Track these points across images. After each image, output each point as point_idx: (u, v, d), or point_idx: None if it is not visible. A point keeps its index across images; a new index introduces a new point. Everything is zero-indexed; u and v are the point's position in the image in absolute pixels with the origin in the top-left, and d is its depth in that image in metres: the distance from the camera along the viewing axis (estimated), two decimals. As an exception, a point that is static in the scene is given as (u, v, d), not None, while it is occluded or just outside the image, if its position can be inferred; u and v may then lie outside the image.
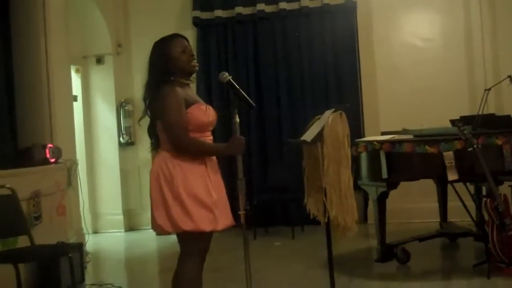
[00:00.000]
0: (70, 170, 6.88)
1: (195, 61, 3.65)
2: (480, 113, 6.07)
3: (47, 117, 6.73)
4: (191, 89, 3.71)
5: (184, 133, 3.45)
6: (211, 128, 3.67)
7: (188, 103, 3.51)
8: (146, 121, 3.68)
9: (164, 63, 3.56)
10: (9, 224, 5.07)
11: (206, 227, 3.42)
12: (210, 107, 3.68)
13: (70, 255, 5.23)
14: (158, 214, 3.46)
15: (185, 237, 3.50)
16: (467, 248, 6.40)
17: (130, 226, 9.26)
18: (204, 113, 3.56)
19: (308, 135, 4.45)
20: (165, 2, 9.33)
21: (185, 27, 8.99)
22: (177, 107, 3.45)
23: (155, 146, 3.66)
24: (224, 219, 3.54)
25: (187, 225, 3.40)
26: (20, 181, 5.47)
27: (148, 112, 3.62)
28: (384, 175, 5.62)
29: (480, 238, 5.85)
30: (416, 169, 5.67)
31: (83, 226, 7.62)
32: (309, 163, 4.57)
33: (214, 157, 3.65)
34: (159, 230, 3.50)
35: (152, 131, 3.65)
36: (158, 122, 3.55)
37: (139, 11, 9.45)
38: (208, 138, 3.62)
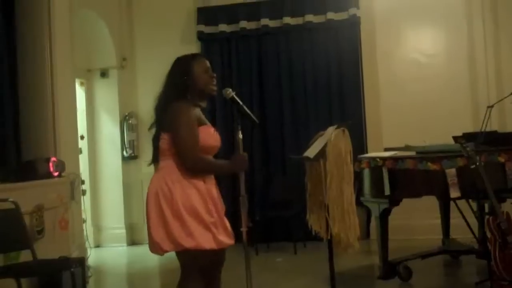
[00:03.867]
0: (73, 184, 6.88)
1: (215, 83, 3.67)
2: (483, 130, 6.07)
3: (51, 130, 6.73)
4: (202, 112, 3.69)
5: (194, 149, 3.45)
6: (214, 153, 3.67)
7: (199, 123, 3.52)
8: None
9: (184, 78, 3.57)
10: (12, 238, 5.07)
11: (206, 245, 3.41)
12: (216, 132, 3.68)
13: (72, 269, 5.23)
14: (157, 233, 3.43)
15: (185, 255, 3.49)
16: (469, 265, 6.39)
17: (133, 240, 9.25)
18: (211, 136, 3.57)
19: (311, 152, 4.47)
20: (170, 16, 9.37)
21: (189, 41, 9.05)
22: (190, 123, 3.45)
23: (155, 159, 3.64)
24: (223, 237, 3.51)
25: (187, 243, 3.38)
26: (23, 195, 5.47)
27: (156, 124, 3.62)
28: (387, 191, 5.60)
29: (483, 256, 5.84)
30: (418, 186, 5.67)
31: (86, 240, 7.61)
32: (311, 179, 4.58)
33: (211, 175, 3.65)
34: (157, 249, 3.47)
35: (155, 142, 3.63)
36: (163, 135, 3.53)
37: (144, 25, 9.49)
38: None
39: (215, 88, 3.67)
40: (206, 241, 3.41)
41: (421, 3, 8.59)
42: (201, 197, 3.47)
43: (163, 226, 3.42)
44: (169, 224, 3.39)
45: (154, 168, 3.67)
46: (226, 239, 3.55)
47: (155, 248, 3.48)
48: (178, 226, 3.38)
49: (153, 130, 3.66)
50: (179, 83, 3.57)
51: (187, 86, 3.57)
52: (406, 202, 5.77)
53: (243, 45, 9.08)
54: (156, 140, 3.61)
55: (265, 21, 8.89)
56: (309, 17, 8.78)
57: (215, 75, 3.69)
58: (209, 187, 3.57)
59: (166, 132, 3.53)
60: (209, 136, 3.55)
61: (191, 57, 3.69)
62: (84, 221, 7.68)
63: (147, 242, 3.57)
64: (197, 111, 3.57)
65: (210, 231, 3.43)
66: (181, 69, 3.61)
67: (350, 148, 4.42)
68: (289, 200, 8.13)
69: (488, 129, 6.31)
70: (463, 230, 6.59)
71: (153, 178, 3.57)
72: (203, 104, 3.68)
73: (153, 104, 3.66)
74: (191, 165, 3.45)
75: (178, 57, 3.71)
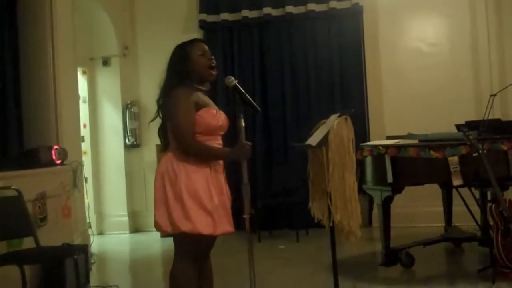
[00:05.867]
0: (76, 172, 6.90)
1: (214, 65, 3.68)
2: (485, 118, 6.06)
3: (53, 118, 6.75)
4: (206, 95, 3.71)
5: (189, 135, 3.48)
6: (221, 133, 3.70)
7: (199, 106, 3.54)
8: (156, 122, 3.74)
9: (182, 65, 3.61)
10: (15, 225, 5.07)
11: (204, 230, 3.45)
12: (222, 112, 3.71)
13: (75, 256, 5.25)
14: (159, 213, 3.50)
15: (182, 238, 3.53)
16: (471, 253, 6.40)
17: (135, 228, 9.29)
18: (214, 117, 3.59)
19: (313, 139, 4.46)
20: (172, 5, 9.35)
21: (191, 30, 9.04)
22: (186, 109, 3.48)
23: (165, 147, 3.69)
24: (223, 224, 3.56)
25: (185, 226, 3.43)
26: (26, 183, 5.48)
27: (160, 113, 3.66)
28: (389, 179, 5.60)
29: (485, 243, 5.85)
30: (421, 174, 5.67)
31: (88, 227, 7.63)
32: (314, 167, 4.58)
33: (220, 161, 3.67)
34: (158, 228, 3.55)
35: (162, 132, 3.69)
36: (168, 123, 3.60)
37: (146, 14, 9.48)
38: (217, 142, 3.65)
39: (213, 72, 3.68)
40: (203, 226, 3.45)
41: (423, -9, 8.58)
42: (205, 182, 3.51)
43: (165, 207, 3.48)
44: (170, 206, 3.46)
45: (157, 158, 3.72)
46: (227, 226, 3.60)
47: (157, 226, 3.55)
48: (178, 208, 3.44)
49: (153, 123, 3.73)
50: (178, 69, 3.61)
51: (186, 72, 3.60)
52: (408, 190, 5.76)
53: (245, 34, 9.08)
54: (163, 130, 3.68)
55: (267, 10, 8.88)
56: (312, 6, 8.76)
57: (213, 57, 3.71)
58: (216, 173, 3.61)
59: (167, 120, 3.60)
60: (211, 116, 3.57)
61: (188, 43, 3.72)
62: (87, 208, 7.70)
63: (151, 228, 3.62)
64: (198, 95, 3.59)
65: (211, 216, 3.48)
66: (178, 55, 3.65)
67: (352, 136, 4.40)
68: (291, 187, 8.15)
69: (491, 117, 6.30)
70: (466, 217, 6.59)
71: (162, 159, 3.63)
72: (205, 87, 3.70)
73: (157, 95, 3.70)
74: (185, 150, 3.50)
75: (177, 44, 3.74)
